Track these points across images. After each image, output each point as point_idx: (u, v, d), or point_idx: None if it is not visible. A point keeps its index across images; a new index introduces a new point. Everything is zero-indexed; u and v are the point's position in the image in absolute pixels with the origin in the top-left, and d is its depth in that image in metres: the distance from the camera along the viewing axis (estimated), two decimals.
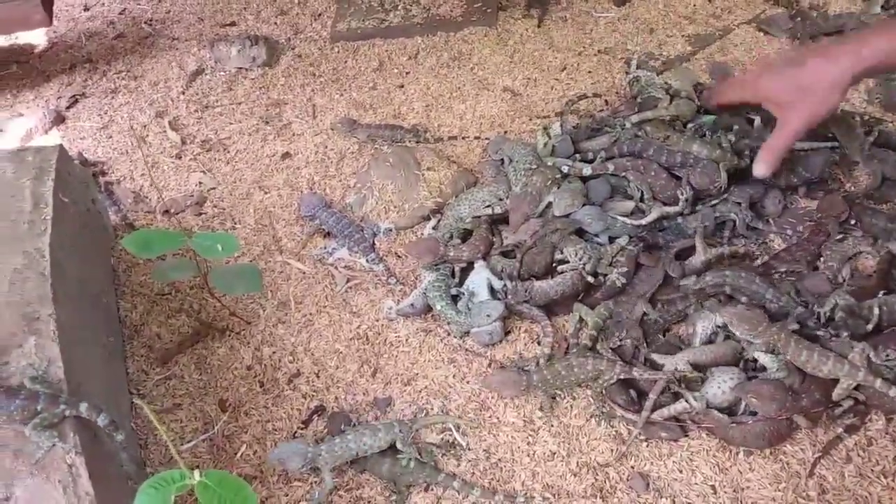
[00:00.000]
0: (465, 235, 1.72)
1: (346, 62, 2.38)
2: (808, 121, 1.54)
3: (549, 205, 1.65)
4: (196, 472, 0.96)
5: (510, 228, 1.65)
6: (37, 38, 2.69)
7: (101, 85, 2.44)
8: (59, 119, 2.30)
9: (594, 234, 1.63)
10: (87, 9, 2.86)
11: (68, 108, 2.36)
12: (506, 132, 2.06)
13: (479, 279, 1.63)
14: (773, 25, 2.23)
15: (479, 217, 1.72)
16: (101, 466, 1.11)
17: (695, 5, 2.38)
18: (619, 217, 1.63)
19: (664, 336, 1.55)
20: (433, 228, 1.78)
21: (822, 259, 1.59)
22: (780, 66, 1.57)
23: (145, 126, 2.25)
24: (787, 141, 1.58)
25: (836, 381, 1.34)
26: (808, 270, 1.58)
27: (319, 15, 2.60)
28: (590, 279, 1.57)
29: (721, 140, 1.72)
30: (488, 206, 1.72)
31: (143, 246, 1.42)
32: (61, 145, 1.62)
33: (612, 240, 1.64)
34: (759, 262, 1.65)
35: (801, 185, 1.73)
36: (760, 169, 1.60)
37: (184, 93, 2.35)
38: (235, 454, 1.46)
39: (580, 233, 1.63)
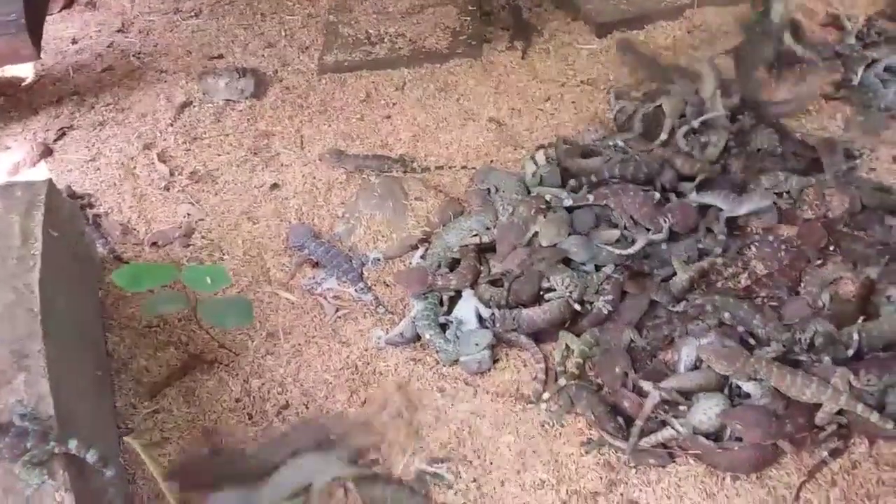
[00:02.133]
0: (453, 264, 1.74)
1: (333, 94, 2.41)
2: None
3: (536, 234, 1.67)
4: None
5: (497, 258, 1.68)
6: (24, 70, 2.69)
7: (88, 117, 2.45)
8: (46, 152, 2.30)
9: (581, 263, 1.66)
10: (74, 42, 2.87)
11: (56, 140, 2.36)
12: (492, 161, 2.09)
13: (468, 308, 1.65)
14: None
15: (467, 246, 1.74)
16: (89, 503, 1.11)
17: (674, 37, 2.43)
18: (604, 246, 1.66)
19: (651, 362, 1.57)
20: (421, 258, 1.80)
21: (802, 284, 1.62)
22: None
23: (133, 158, 2.26)
24: None
25: (818, 406, 1.36)
26: (789, 296, 1.61)
27: (307, 47, 2.63)
28: (577, 307, 1.59)
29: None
30: (475, 234, 1.74)
31: (133, 281, 1.43)
32: (50, 179, 1.63)
33: (598, 268, 1.66)
34: (741, 284, 1.68)
35: None
36: None
37: (172, 125, 2.36)
38: None
39: (567, 261, 1.65)
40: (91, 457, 1.11)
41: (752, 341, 1.52)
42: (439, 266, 1.72)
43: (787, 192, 1.79)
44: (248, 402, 1.60)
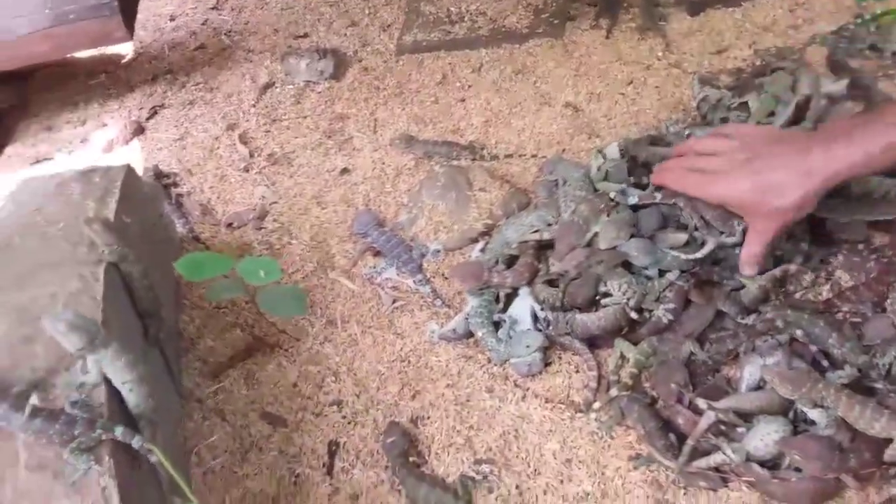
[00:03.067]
0: (512, 261, 1.70)
1: (410, 75, 2.40)
2: (780, 231, 1.45)
3: (597, 234, 1.60)
4: None
5: (555, 257, 1.62)
6: (124, 48, 2.84)
7: (179, 96, 2.55)
8: (139, 130, 2.42)
9: (643, 267, 1.58)
10: (172, 19, 2.99)
11: (148, 118, 2.48)
12: (564, 151, 2.02)
13: (523, 307, 1.62)
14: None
15: (527, 242, 1.69)
16: (135, 488, 1.17)
17: (774, 16, 2.24)
18: (669, 250, 1.56)
19: (713, 378, 1.48)
20: (480, 251, 1.77)
21: (889, 301, 1.47)
22: (735, 163, 1.44)
23: (217, 138, 2.33)
24: (766, 247, 1.49)
25: (889, 441, 1.24)
26: (874, 312, 1.47)
27: (388, 26, 2.62)
28: (633, 315, 1.52)
29: None
30: (536, 230, 1.69)
31: (194, 270, 1.48)
32: (128, 165, 1.71)
33: (662, 273, 1.58)
34: (822, 297, 1.55)
35: None
36: (748, 271, 1.52)
37: (254, 105, 2.43)
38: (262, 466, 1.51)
39: (627, 265, 1.58)
40: (136, 443, 1.16)
41: (825, 362, 1.40)
42: (497, 262, 1.69)
43: (884, 196, 1.61)
44: (304, 388, 1.65)
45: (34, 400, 1.13)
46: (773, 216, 1.43)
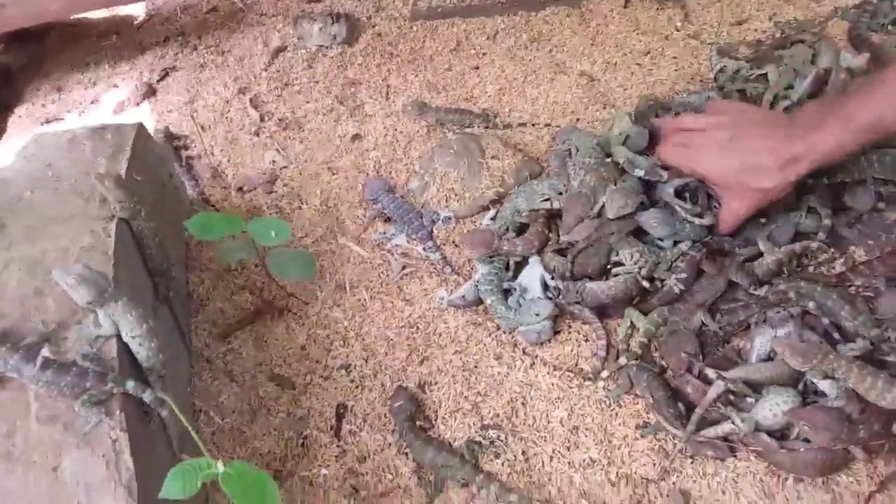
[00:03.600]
0: (522, 229, 1.69)
1: (423, 42, 2.37)
2: (754, 209, 1.49)
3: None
4: (219, 463, 1.00)
5: (563, 229, 1.60)
6: (136, 9, 2.81)
7: (191, 59, 2.53)
8: (150, 92, 2.41)
9: (658, 238, 1.56)
10: None
11: (159, 80, 2.46)
12: (578, 120, 2.00)
13: (533, 275, 1.61)
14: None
15: (537, 211, 1.68)
16: (145, 442, 1.18)
17: None
18: (689, 217, 1.53)
19: (723, 348, 1.47)
20: (491, 219, 1.76)
21: None
22: (719, 141, 1.46)
23: (228, 102, 2.32)
24: (737, 223, 1.52)
25: None
26: (888, 287, 1.45)
27: None
28: (645, 284, 1.50)
29: None
30: (546, 199, 1.67)
31: (204, 229, 1.48)
32: (140, 123, 1.70)
33: (675, 243, 1.56)
34: (835, 271, 1.54)
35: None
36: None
37: (266, 70, 2.40)
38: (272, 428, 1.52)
39: (639, 234, 1.56)
40: (147, 396, 1.17)
41: (836, 335, 1.39)
42: (507, 230, 1.68)
43: None
44: (313, 352, 1.65)
45: (45, 352, 1.13)
46: (750, 197, 1.45)
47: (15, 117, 2.48)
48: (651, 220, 1.55)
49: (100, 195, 1.42)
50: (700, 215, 1.52)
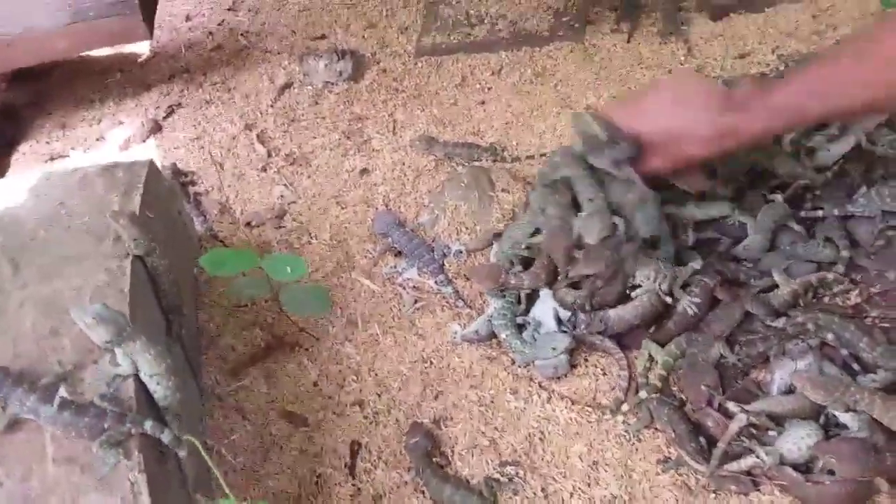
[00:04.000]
0: (528, 262, 1.68)
1: (428, 77, 2.39)
2: (670, 173, 1.55)
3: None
4: None
5: (561, 268, 1.57)
6: (140, 47, 2.83)
7: (196, 96, 2.54)
8: (156, 128, 2.42)
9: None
10: (188, 19, 2.98)
11: (165, 117, 2.47)
12: None
13: (545, 309, 1.60)
14: None
15: (535, 245, 1.66)
16: (163, 483, 1.16)
17: (797, 21, 2.24)
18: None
19: (742, 381, 1.46)
20: (494, 254, 1.75)
21: None
22: (661, 104, 1.51)
23: (234, 138, 2.32)
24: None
25: None
26: None
27: (406, 28, 2.61)
28: (668, 300, 1.50)
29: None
30: (533, 234, 1.66)
31: (218, 265, 1.48)
32: (151, 160, 1.70)
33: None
34: (850, 301, 1.54)
35: None
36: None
37: (272, 106, 2.42)
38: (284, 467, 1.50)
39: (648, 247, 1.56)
40: (165, 437, 1.15)
41: (856, 366, 1.39)
42: (512, 263, 1.67)
43: None
44: (325, 388, 1.63)
45: (62, 392, 1.12)
46: (672, 159, 1.50)
47: (19, 154, 2.48)
48: (643, 226, 1.53)
49: (114, 233, 1.41)
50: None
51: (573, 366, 1.56)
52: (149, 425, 1.13)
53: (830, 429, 1.33)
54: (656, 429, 1.44)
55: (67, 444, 1.10)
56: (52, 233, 1.44)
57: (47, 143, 2.49)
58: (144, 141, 2.38)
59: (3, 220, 1.46)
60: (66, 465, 1.09)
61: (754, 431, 1.35)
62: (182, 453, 1.19)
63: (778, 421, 1.35)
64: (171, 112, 2.49)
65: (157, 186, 1.69)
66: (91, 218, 1.47)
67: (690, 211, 1.64)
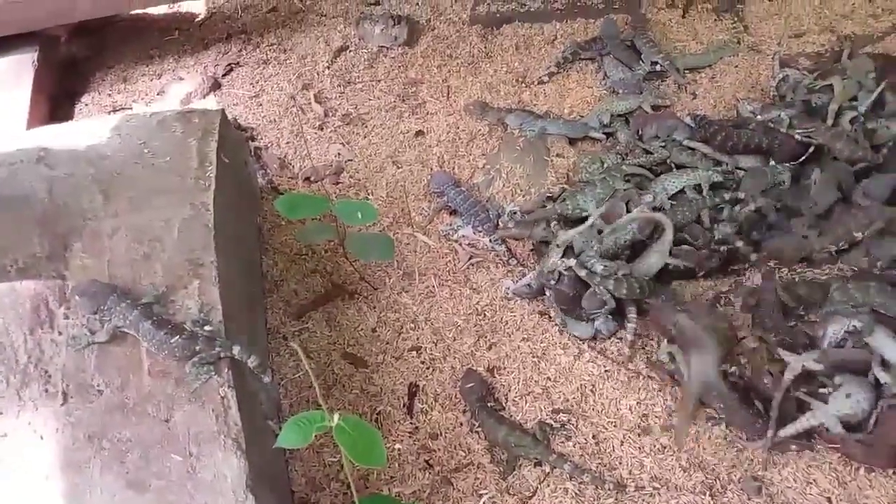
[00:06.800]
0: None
1: (482, 45, 2.43)
2: None
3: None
4: (336, 416, 1.05)
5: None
6: (197, 6, 2.89)
7: (254, 55, 2.59)
8: (215, 85, 2.48)
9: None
10: None
11: (224, 75, 2.53)
12: None
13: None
14: None
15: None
16: (247, 403, 1.23)
17: (853, 4, 2.25)
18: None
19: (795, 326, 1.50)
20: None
21: None
22: None
23: (292, 97, 2.38)
24: None
25: None
26: None
27: None
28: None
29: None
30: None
31: (292, 208, 1.54)
32: (223, 110, 1.76)
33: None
34: None
35: None
36: None
37: (329, 68, 2.47)
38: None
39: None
40: (252, 362, 1.22)
41: None
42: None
43: None
44: (383, 334, 1.70)
45: (158, 311, 1.19)
46: None
47: (82, 105, 2.55)
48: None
49: (194, 172, 1.48)
50: None
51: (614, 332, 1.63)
52: (237, 350, 1.20)
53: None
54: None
55: (162, 359, 1.17)
56: (137, 169, 1.50)
57: (109, 95, 2.56)
58: (205, 97, 2.44)
59: (89, 155, 1.53)
60: (161, 377, 1.16)
61: (806, 392, 1.39)
62: (266, 378, 1.25)
63: (828, 377, 1.39)
64: (229, 70, 2.54)
65: (230, 134, 1.76)
66: (173, 158, 1.54)
67: None
